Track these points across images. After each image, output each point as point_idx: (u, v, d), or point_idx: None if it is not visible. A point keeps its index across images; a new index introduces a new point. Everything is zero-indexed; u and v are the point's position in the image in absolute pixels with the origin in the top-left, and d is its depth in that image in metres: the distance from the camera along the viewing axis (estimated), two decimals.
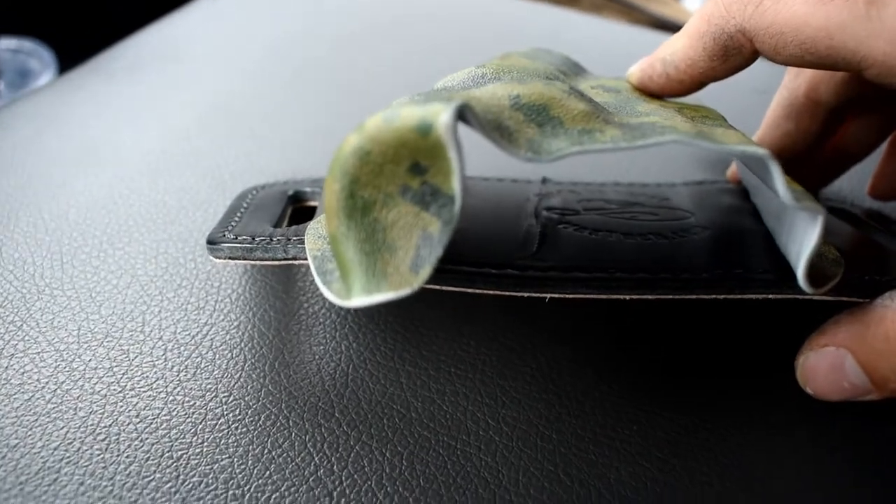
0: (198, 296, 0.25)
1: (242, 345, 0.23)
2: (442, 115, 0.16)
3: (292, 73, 0.37)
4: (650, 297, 0.20)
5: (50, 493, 0.20)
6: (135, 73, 0.36)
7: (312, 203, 0.27)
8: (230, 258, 0.23)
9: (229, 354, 0.23)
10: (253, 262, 0.23)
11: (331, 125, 0.33)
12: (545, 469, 0.20)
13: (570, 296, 0.20)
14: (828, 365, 0.20)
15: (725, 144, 0.18)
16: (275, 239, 0.23)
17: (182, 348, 0.23)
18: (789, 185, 0.18)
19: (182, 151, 0.31)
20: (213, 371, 0.23)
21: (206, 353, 0.23)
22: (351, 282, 0.17)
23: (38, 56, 0.58)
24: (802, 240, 0.18)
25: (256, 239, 0.23)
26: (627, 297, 0.20)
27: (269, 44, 0.40)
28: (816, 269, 0.20)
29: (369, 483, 0.20)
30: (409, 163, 0.17)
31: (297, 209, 0.27)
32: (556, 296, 0.20)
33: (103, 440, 0.21)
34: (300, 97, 0.35)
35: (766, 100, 0.37)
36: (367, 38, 0.41)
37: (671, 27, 0.56)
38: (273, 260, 0.22)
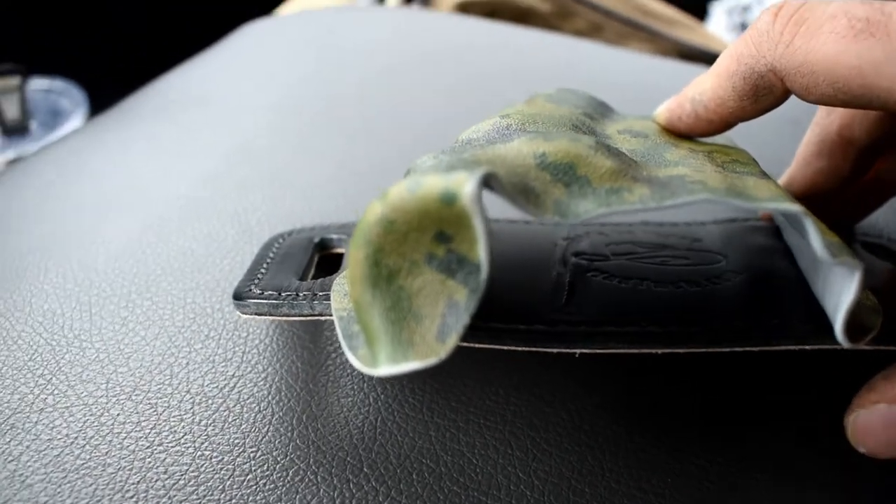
0: (225, 347, 0.25)
1: (270, 397, 0.23)
2: (466, 186, 0.15)
3: (318, 114, 0.37)
4: (682, 350, 0.20)
5: None
6: (161, 117, 0.36)
7: (339, 250, 0.27)
8: (256, 314, 0.23)
9: (257, 407, 0.23)
10: (279, 318, 0.23)
11: (357, 167, 0.33)
12: None
13: (601, 351, 0.20)
14: (881, 423, 0.19)
15: (758, 202, 0.18)
16: (301, 294, 0.22)
17: (210, 401, 0.23)
18: (825, 237, 0.17)
19: (209, 196, 0.31)
20: (241, 425, 0.22)
21: (234, 406, 0.23)
22: (377, 350, 0.17)
23: (69, 95, 0.59)
24: (840, 293, 0.18)
25: (282, 294, 0.23)
26: (659, 352, 0.20)
27: (294, 84, 0.40)
28: (855, 318, 0.19)
29: None
30: (434, 231, 0.16)
31: (324, 256, 0.27)
32: (586, 351, 0.20)
33: (132, 497, 0.21)
34: (326, 139, 0.35)
35: (799, 130, 0.36)
36: (391, 77, 0.42)
37: (698, 55, 0.55)
38: (300, 316, 0.22)
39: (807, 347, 0.20)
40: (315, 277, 0.25)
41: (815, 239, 0.17)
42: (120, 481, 0.21)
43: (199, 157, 0.33)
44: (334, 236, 0.27)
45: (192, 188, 0.31)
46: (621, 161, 0.19)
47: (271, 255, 0.25)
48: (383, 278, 0.17)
